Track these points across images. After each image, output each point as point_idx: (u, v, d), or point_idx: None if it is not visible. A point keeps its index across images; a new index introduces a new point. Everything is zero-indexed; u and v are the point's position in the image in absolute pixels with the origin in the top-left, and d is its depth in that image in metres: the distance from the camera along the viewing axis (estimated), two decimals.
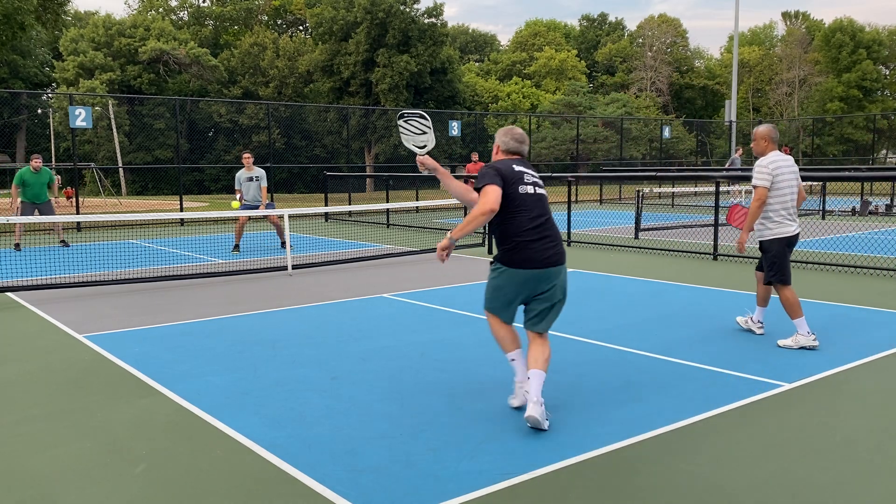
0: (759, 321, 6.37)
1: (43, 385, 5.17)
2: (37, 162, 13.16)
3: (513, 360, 4.46)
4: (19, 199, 13.20)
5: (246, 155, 12.95)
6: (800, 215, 18.50)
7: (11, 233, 16.80)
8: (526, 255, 4.24)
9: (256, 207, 12.74)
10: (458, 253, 12.30)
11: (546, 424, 4.14)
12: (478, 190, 4.24)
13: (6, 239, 15.63)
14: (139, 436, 4.18)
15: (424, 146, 4.73)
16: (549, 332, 4.60)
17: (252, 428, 4.26)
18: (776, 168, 5.92)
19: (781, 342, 5.98)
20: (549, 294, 4.39)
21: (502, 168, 4.30)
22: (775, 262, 6.00)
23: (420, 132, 4.74)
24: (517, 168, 4.34)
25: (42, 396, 4.92)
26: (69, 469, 3.75)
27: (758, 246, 6.12)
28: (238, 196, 12.85)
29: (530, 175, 4.38)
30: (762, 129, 6.07)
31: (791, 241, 6.01)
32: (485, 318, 4.26)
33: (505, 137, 4.52)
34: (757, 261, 6.60)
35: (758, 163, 6.02)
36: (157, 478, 3.63)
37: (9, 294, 8.75)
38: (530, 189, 4.31)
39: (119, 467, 3.76)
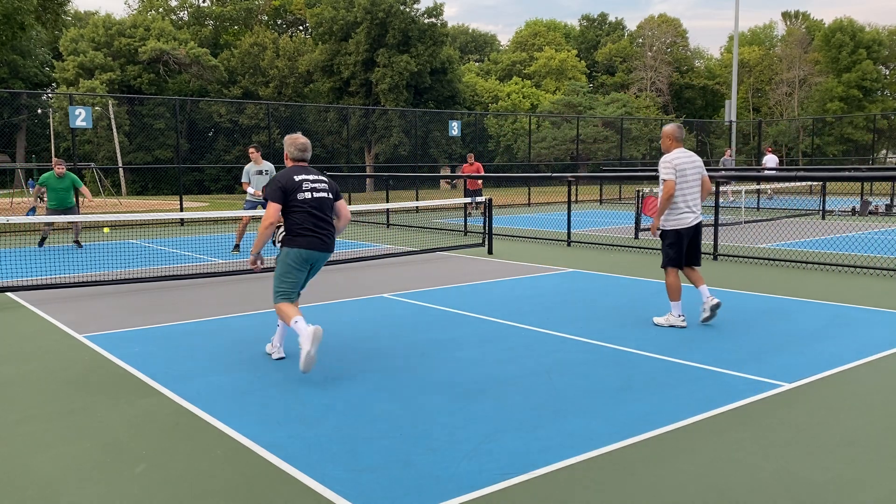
0: (707, 296, 6.77)
1: (43, 385, 5.17)
2: (60, 168, 12.69)
3: (296, 321, 5.22)
4: (44, 205, 13.02)
5: (251, 149, 12.83)
6: (800, 215, 18.58)
7: (12, 233, 16.80)
8: (304, 240, 5.36)
9: (265, 203, 12.55)
10: (459, 253, 12.30)
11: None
12: (266, 199, 5.42)
13: (6, 239, 15.63)
14: (139, 436, 4.18)
15: None
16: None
17: (252, 428, 4.26)
18: (679, 163, 6.54)
19: (656, 319, 6.77)
20: (313, 273, 5.59)
21: (284, 181, 5.37)
22: (670, 249, 6.70)
23: None
24: (298, 178, 5.39)
25: (42, 396, 4.92)
26: (69, 469, 3.75)
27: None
28: (250, 190, 12.71)
29: (310, 182, 5.42)
30: (668, 128, 6.68)
31: (688, 232, 6.65)
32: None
33: (290, 147, 5.54)
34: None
35: (662, 159, 6.64)
36: (157, 478, 3.63)
37: (9, 294, 8.75)
38: (308, 195, 5.39)
39: (119, 467, 3.76)
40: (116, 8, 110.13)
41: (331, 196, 5.52)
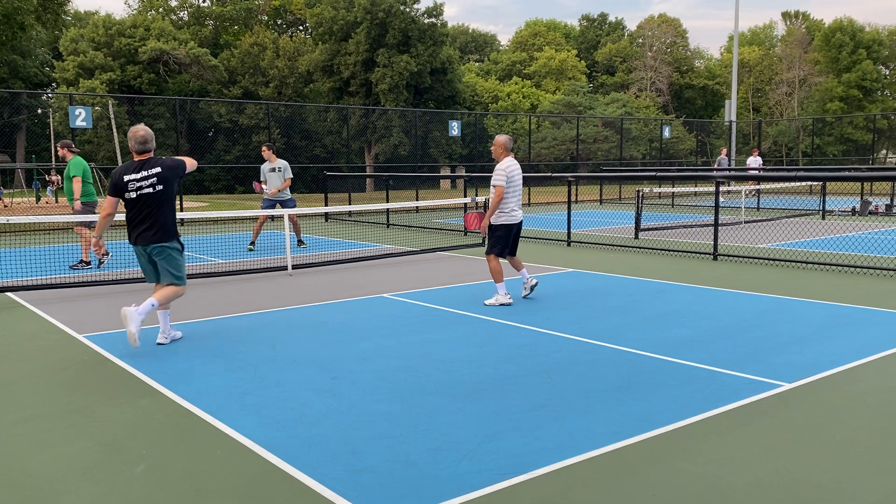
0: (528, 278, 8.07)
1: (43, 385, 5.17)
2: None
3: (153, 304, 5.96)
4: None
5: (264, 147, 12.99)
6: (800, 215, 18.59)
7: (12, 233, 16.76)
8: (132, 237, 6.05)
9: (282, 200, 12.80)
10: (459, 253, 12.30)
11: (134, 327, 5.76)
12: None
13: (6, 239, 15.62)
14: (139, 436, 4.18)
15: None
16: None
17: (252, 428, 4.26)
18: (510, 171, 7.61)
19: (487, 301, 7.70)
20: (157, 260, 6.09)
21: (117, 180, 5.95)
22: (499, 241, 7.73)
23: None
24: (127, 178, 5.92)
25: (42, 396, 4.92)
26: (69, 469, 3.75)
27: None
28: (258, 189, 12.98)
29: (135, 182, 5.92)
30: (500, 139, 7.69)
31: (515, 227, 7.80)
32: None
33: (130, 141, 5.97)
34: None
35: (497, 167, 7.64)
36: (157, 478, 3.63)
37: (9, 294, 8.75)
38: (133, 194, 5.93)
39: (119, 467, 3.76)
40: (116, 8, 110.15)
41: (160, 188, 5.95)
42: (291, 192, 13.23)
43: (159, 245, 5.99)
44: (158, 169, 5.95)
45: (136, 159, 6.00)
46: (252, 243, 12.92)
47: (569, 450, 3.88)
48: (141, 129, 5.95)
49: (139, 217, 5.95)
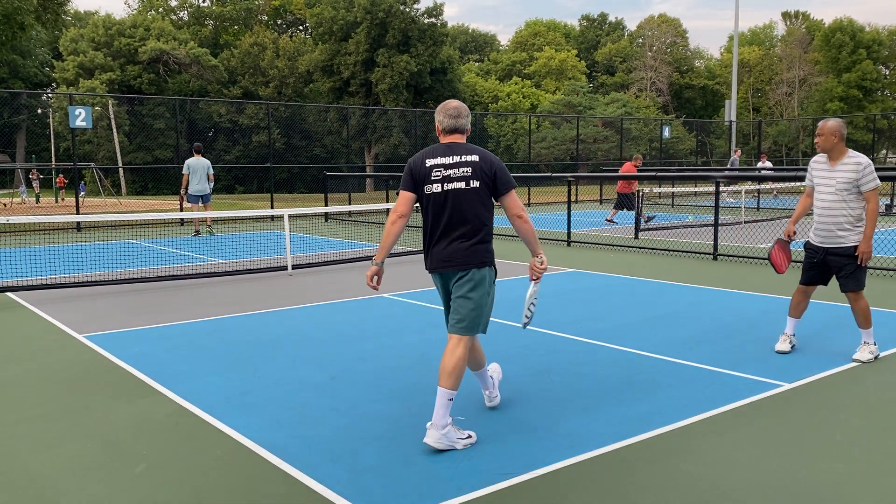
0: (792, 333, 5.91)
1: (43, 385, 5.17)
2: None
3: None
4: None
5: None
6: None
7: (12, 233, 16.79)
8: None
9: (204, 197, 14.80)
10: None
11: None
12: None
13: (6, 239, 15.62)
14: (139, 436, 4.18)
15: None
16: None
17: (252, 428, 4.25)
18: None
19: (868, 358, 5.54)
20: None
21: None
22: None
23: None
24: (431, 163, 4.08)
25: (42, 396, 4.91)
26: (69, 469, 3.75)
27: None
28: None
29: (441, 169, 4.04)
30: (833, 124, 5.49)
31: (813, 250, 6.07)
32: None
33: (439, 116, 4.21)
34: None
35: (868, 162, 5.41)
36: (157, 478, 3.62)
37: (9, 294, 8.75)
38: (437, 187, 4.03)
39: (119, 467, 3.76)
40: (116, 8, 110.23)
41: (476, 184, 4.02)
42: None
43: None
44: (475, 157, 4.02)
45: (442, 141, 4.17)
46: (196, 232, 15.12)
47: (569, 450, 3.88)
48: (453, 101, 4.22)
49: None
